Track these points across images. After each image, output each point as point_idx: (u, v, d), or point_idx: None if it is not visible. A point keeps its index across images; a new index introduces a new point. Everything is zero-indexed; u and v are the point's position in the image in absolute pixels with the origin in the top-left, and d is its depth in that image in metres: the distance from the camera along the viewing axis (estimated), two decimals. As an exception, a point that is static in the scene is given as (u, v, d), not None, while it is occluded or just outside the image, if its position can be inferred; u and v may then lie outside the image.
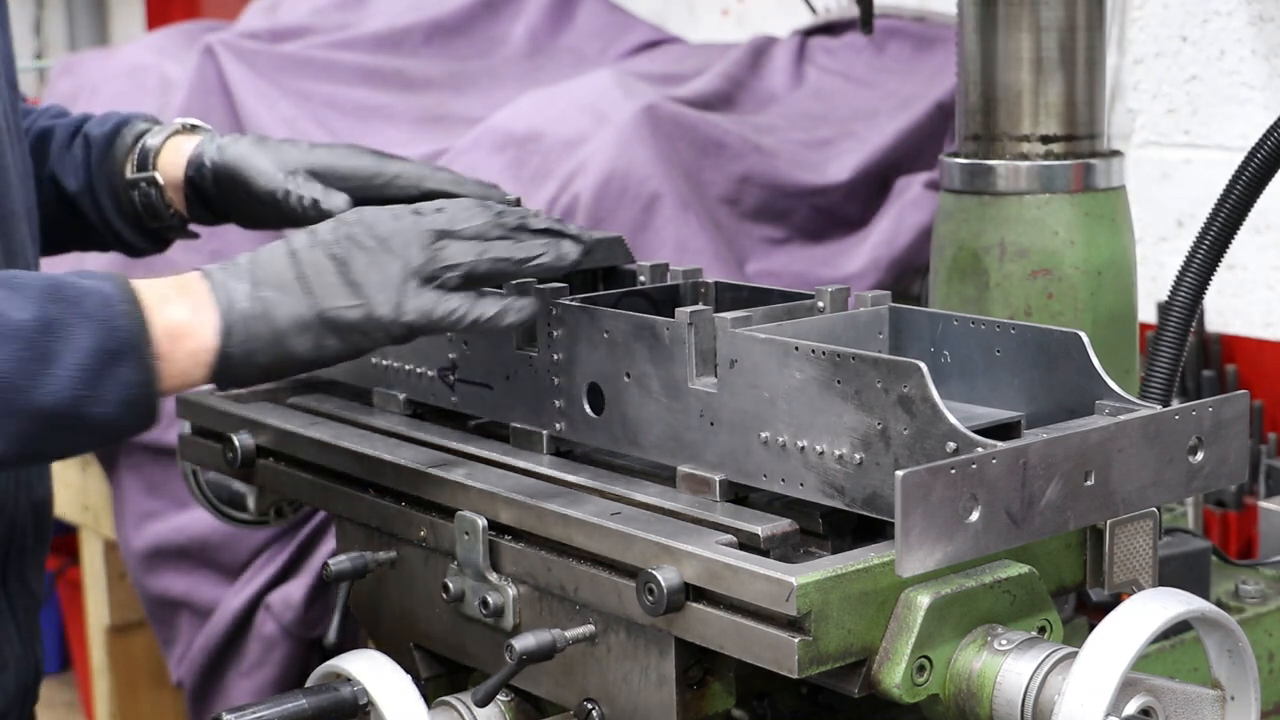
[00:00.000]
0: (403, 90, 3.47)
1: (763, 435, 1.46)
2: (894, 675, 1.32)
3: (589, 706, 1.51)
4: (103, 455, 3.32)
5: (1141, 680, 1.30)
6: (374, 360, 1.85)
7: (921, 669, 1.33)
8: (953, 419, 1.33)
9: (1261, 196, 1.94)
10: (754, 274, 2.96)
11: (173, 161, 1.89)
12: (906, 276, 3.00)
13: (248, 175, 1.80)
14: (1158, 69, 3.06)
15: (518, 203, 1.73)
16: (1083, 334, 1.48)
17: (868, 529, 1.45)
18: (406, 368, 1.81)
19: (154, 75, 3.64)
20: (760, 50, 3.45)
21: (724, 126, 3.05)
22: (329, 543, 2.88)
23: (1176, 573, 2.05)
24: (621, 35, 3.79)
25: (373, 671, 1.44)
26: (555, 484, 1.59)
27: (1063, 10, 1.94)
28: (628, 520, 1.46)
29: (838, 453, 1.40)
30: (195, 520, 3.09)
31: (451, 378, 1.76)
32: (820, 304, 1.62)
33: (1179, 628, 1.54)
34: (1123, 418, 1.38)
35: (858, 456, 1.39)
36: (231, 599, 3.12)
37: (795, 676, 1.30)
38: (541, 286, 1.65)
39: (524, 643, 1.44)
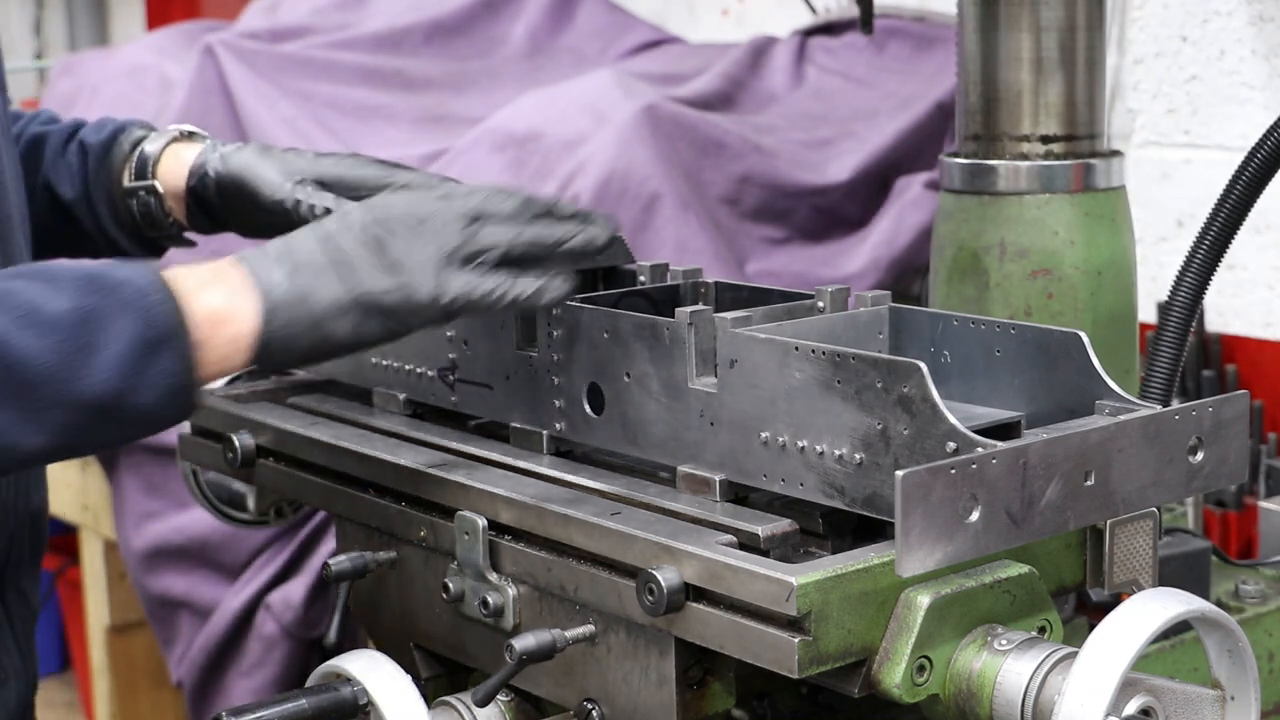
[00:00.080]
0: (403, 90, 3.47)
1: (763, 435, 1.46)
2: (894, 675, 1.32)
3: (589, 706, 1.51)
4: (103, 455, 3.32)
5: (1141, 680, 1.30)
6: (374, 360, 1.85)
7: (921, 669, 1.33)
8: (953, 419, 1.33)
9: (1261, 196, 1.94)
10: (754, 274, 2.96)
11: (173, 170, 1.88)
12: (906, 276, 3.00)
13: (254, 185, 1.79)
14: (1158, 69, 3.06)
15: None
16: (1083, 334, 1.48)
17: (868, 529, 1.45)
18: (406, 368, 1.81)
19: (154, 75, 3.64)
20: (760, 50, 3.45)
21: (724, 126, 3.05)
22: (329, 543, 2.88)
23: (1176, 573, 2.05)
24: (621, 35, 3.79)
25: (373, 671, 1.44)
26: (555, 484, 1.59)
27: (1063, 10, 1.94)
28: (628, 520, 1.46)
29: (838, 453, 1.40)
30: (195, 520, 3.09)
31: (451, 378, 1.76)
32: (820, 304, 1.62)
33: (1179, 628, 1.54)
34: (1123, 418, 1.38)
35: (858, 456, 1.39)
36: (231, 599, 3.12)
37: (795, 676, 1.30)
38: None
39: (524, 643, 1.44)
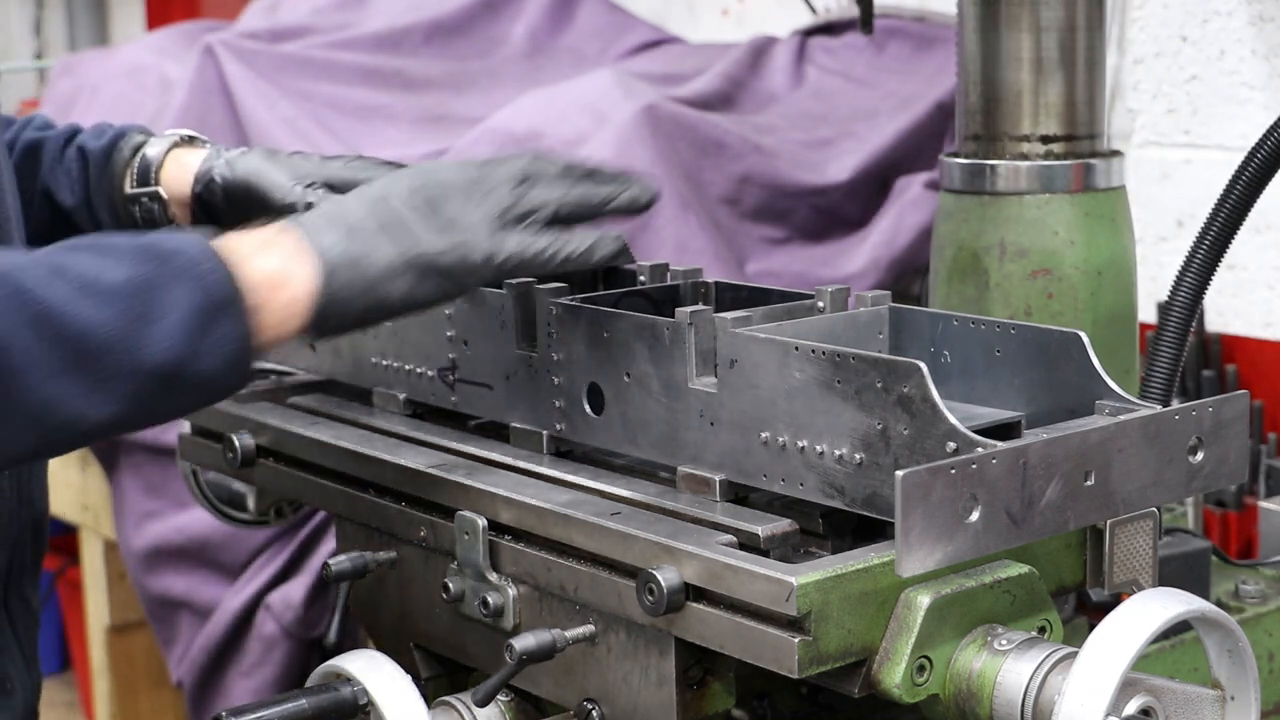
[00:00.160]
0: (403, 90, 3.47)
1: (763, 435, 1.46)
2: (894, 675, 1.32)
3: (589, 706, 1.51)
4: (103, 455, 3.32)
5: (1141, 680, 1.30)
6: (374, 360, 1.85)
7: (921, 669, 1.33)
8: (953, 419, 1.33)
9: (1261, 196, 1.94)
10: (754, 274, 2.96)
11: (177, 176, 1.87)
12: (906, 276, 3.00)
13: (263, 189, 1.79)
14: (1158, 69, 3.06)
15: None
16: (1083, 334, 1.48)
17: (868, 529, 1.45)
18: (406, 368, 1.81)
19: (154, 75, 3.64)
20: (760, 50, 3.45)
21: (724, 126, 3.05)
22: (329, 543, 2.88)
23: (1176, 573, 2.05)
24: (621, 35, 3.80)
25: (373, 671, 1.44)
26: (555, 484, 1.59)
27: (1063, 10, 1.94)
28: (628, 520, 1.46)
29: (838, 453, 1.40)
30: (195, 520, 3.09)
31: (451, 378, 1.76)
32: (820, 304, 1.62)
33: (1179, 628, 1.54)
34: (1123, 418, 1.38)
35: (858, 456, 1.39)
36: (231, 599, 3.12)
37: (795, 676, 1.30)
38: (541, 286, 1.65)
39: (524, 643, 1.44)
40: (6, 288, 1.32)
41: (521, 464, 1.64)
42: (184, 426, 1.98)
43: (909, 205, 3.02)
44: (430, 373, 1.78)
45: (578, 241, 1.53)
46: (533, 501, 1.53)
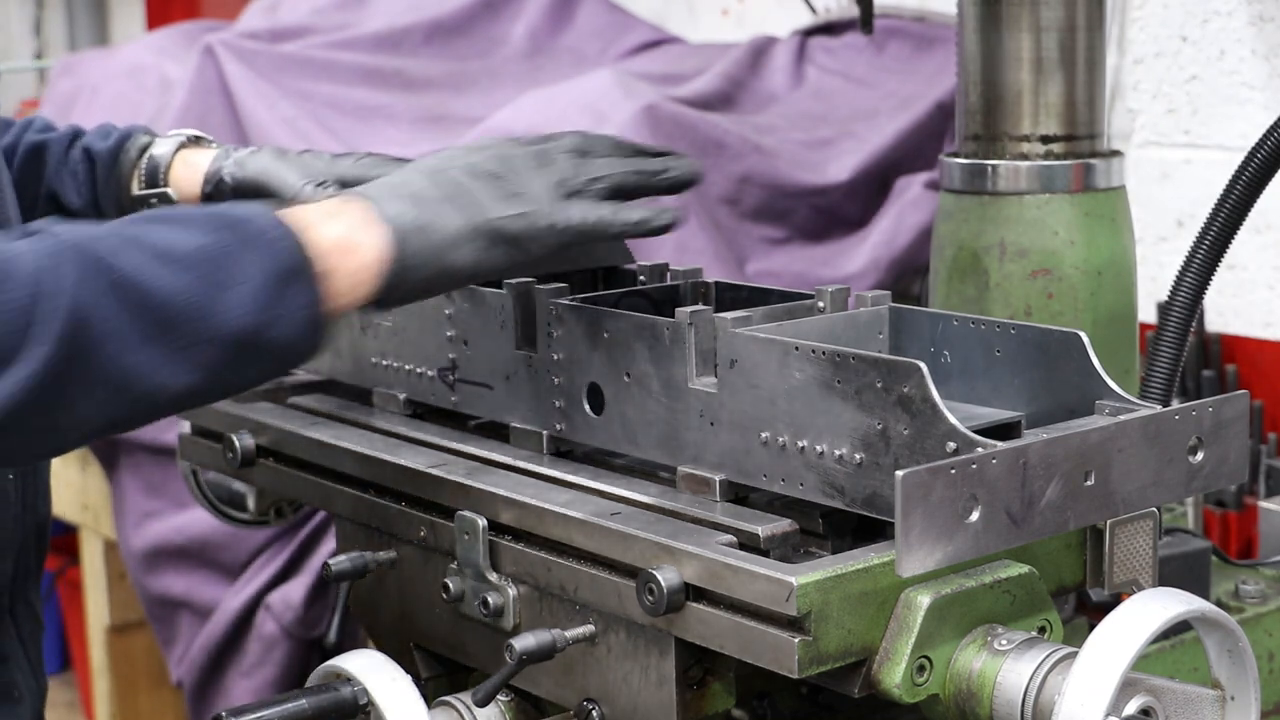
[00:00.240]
0: (403, 90, 3.47)
1: (763, 435, 1.46)
2: (894, 675, 1.32)
3: (589, 706, 1.51)
4: (103, 455, 3.32)
5: (1141, 680, 1.30)
6: (374, 360, 1.85)
7: (921, 669, 1.33)
8: (953, 419, 1.33)
9: (1261, 196, 1.94)
10: (754, 274, 2.96)
11: (186, 177, 1.87)
12: (906, 276, 3.00)
13: (274, 188, 1.79)
14: (1158, 69, 3.06)
15: None
16: (1083, 334, 1.48)
17: (868, 529, 1.45)
18: (406, 368, 1.81)
19: (154, 75, 3.64)
20: (760, 50, 3.45)
21: (724, 126, 3.05)
22: (329, 543, 2.88)
23: (1176, 573, 2.05)
24: (621, 35, 3.79)
25: (373, 671, 1.44)
26: (555, 484, 1.59)
27: (1063, 10, 1.94)
28: (628, 520, 1.46)
29: (838, 453, 1.40)
30: (195, 520, 3.09)
31: (451, 378, 1.76)
32: (820, 304, 1.62)
33: (1179, 628, 1.54)
34: (1123, 418, 1.38)
35: (858, 456, 1.39)
36: (231, 599, 3.12)
37: (795, 676, 1.30)
38: (541, 286, 1.65)
39: (524, 643, 1.44)
40: (85, 257, 1.30)
41: (521, 464, 1.64)
42: (184, 426, 1.98)
43: (909, 205, 3.02)
44: (430, 373, 1.78)
45: (634, 213, 1.54)
46: (533, 501, 1.53)
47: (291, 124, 3.26)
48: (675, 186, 1.60)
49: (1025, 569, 1.39)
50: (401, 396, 1.83)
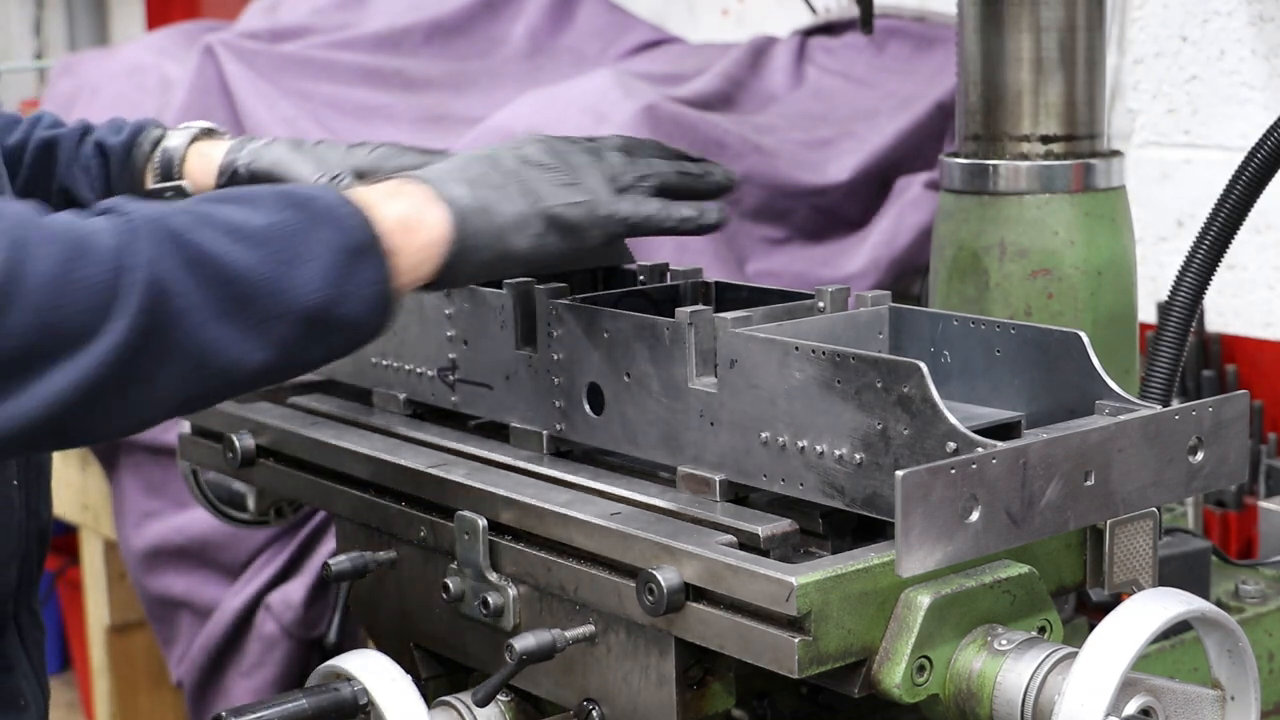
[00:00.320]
0: (403, 90, 3.47)
1: (763, 435, 1.46)
2: (894, 675, 1.32)
3: (589, 706, 1.51)
4: (103, 455, 3.32)
5: (1141, 680, 1.30)
6: (374, 360, 1.85)
7: (921, 669, 1.33)
8: (953, 419, 1.33)
9: (1261, 196, 1.94)
10: (754, 274, 2.96)
11: (201, 169, 1.86)
12: (906, 276, 3.00)
13: (289, 180, 1.78)
14: (1158, 69, 3.06)
15: None
16: (1083, 334, 1.48)
17: (868, 529, 1.45)
18: (406, 368, 1.81)
19: (154, 75, 3.63)
20: (760, 50, 3.45)
21: (724, 126, 3.05)
22: (329, 543, 2.88)
23: (1176, 573, 2.05)
24: (621, 35, 3.79)
25: (373, 671, 1.44)
26: (555, 484, 1.59)
27: (1063, 10, 1.94)
28: (628, 520, 1.46)
29: (838, 453, 1.40)
30: (195, 520, 3.09)
31: (451, 378, 1.76)
32: (820, 304, 1.62)
33: (1179, 628, 1.54)
34: (1123, 418, 1.38)
35: (858, 456, 1.39)
36: (231, 599, 3.12)
37: (795, 676, 1.30)
38: (541, 286, 1.65)
39: (524, 643, 1.44)
40: (160, 233, 1.31)
41: (521, 464, 1.64)
42: (184, 426, 1.98)
43: (909, 205, 3.02)
44: (430, 373, 1.78)
45: (683, 209, 1.57)
46: (533, 501, 1.53)
47: (291, 124, 3.26)
48: (717, 190, 1.63)
49: (1025, 569, 1.39)
50: (401, 396, 1.83)
